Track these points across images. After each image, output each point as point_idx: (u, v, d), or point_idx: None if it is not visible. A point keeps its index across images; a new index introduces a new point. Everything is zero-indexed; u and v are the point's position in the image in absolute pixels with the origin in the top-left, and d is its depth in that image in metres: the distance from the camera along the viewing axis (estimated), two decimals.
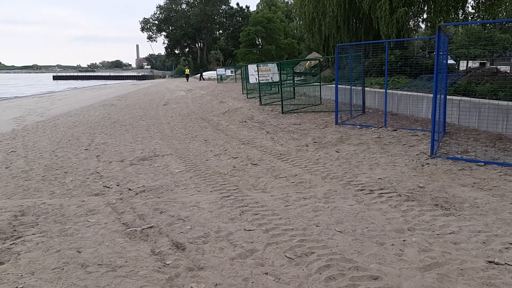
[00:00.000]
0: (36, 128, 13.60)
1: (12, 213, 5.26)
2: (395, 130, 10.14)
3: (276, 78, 17.84)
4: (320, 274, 3.50)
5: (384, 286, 3.29)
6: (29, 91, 47.35)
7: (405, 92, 12.95)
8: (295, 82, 21.95)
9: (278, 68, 17.69)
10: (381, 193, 5.58)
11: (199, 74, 60.05)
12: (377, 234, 4.29)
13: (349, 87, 13.42)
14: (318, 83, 18.25)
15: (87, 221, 4.92)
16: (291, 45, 60.14)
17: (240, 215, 4.95)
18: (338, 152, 8.24)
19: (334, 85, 14.27)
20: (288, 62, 23.65)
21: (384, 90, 11.71)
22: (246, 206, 5.26)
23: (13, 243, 4.31)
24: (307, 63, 28.36)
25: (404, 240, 4.11)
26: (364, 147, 8.51)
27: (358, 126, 11.05)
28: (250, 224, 4.65)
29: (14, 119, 16.80)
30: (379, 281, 3.36)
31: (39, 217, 5.10)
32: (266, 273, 3.53)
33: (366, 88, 14.18)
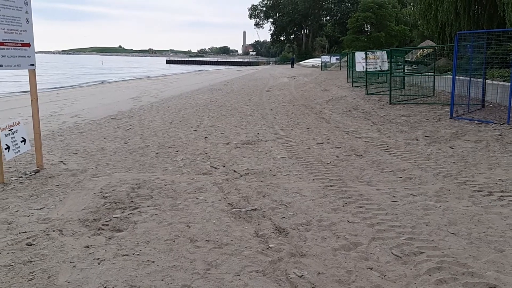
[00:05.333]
0: (150, 108, 14.69)
1: (130, 185, 5.73)
2: None
3: (385, 66, 17.06)
4: (430, 275, 3.28)
5: None
6: (147, 73, 51.43)
7: None
8: (406, 71, 20.77)
9: (388, 56, 16.88)
10: (501, 196, 5.06)
11: (291, 61, 65.28)
12: (495, 240, 3.90)
13: (467, 78, 12.32)
14: (432, 73, 17.06)
15: (196, 198, 5.19)
16: (403, 32, 56.90)
17: (343, 206, 4.84)
18: (452, 148, 7.63)
19: (449, 76, 13.22)
20: (399, 50, 22.46)
21: (508, 83, 10.55)
22: (349, 197, 5.12)
23: (131, 213, 4.70)
24: (420, 52, 26.66)
25: None
26: (483, 145, 7.78)
27: (476, 122, 10.13)
28: (354, 216, 4.52)
29: (132, 99, 18.34)
30: None
31: (153, 191, 5.49)
32: (371, 268, 3.41)
33: (487, 81, 12.91)
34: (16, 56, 6.05)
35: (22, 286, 3.15)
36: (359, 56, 19.73)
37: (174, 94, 20.48)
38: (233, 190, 5.51)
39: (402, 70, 20.02)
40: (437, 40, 24.18)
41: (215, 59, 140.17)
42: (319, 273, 3.33)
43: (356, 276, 3.30)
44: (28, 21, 6.28)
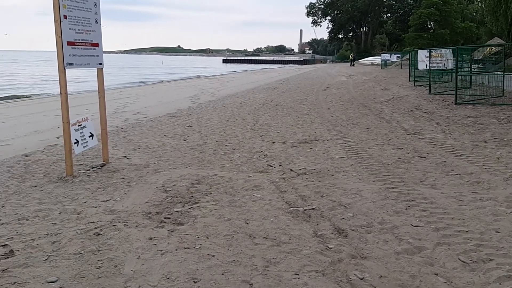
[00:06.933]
0: (208, 107, 14.98)
1: (190, 180, 5.86)
2: None
3: (450, 65, 16.31)
4: (500, 284, 3.09)
5: None
6: (205, 71, 52.66)
7: None
8: (473, 70, 19.72)
9: (453, 54, 16.12)
10: None
11: (351, 58, 64.18)
12: None
13: None
14: (501, 73, 16.07)
15: (253, 195, 5.21)
16: (469, 29, 53.90)
17: (406, 209, 4.66)
18: None
19: None
20: (465, 48, 21.36)
21: None
22: (412, 200, 4.93)
23: (191, 207, 4.81)
24: (487, 50, 25.21)
25: None
26: None
27: None
28: (417, 220, 4.34)
29: (190, 97, 18.81)
30: None
31: (212, 187, 5.59)
32: (436, 274, 3.26)
33: None
34: (85, 55, 6.37)
35: (91, 273, 3.32)
36: (422, 54, 19.01)
37: (230, 93, 20.76)
38: (290, 189, 5.48)
39: (468, 69, 19.02)
40: (506, 37, 22.82)
41: (271, 58, 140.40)
42: (381, 276, 3.23)
43: (420, 281, 3.16)
44: (97, 21, 6.60)
